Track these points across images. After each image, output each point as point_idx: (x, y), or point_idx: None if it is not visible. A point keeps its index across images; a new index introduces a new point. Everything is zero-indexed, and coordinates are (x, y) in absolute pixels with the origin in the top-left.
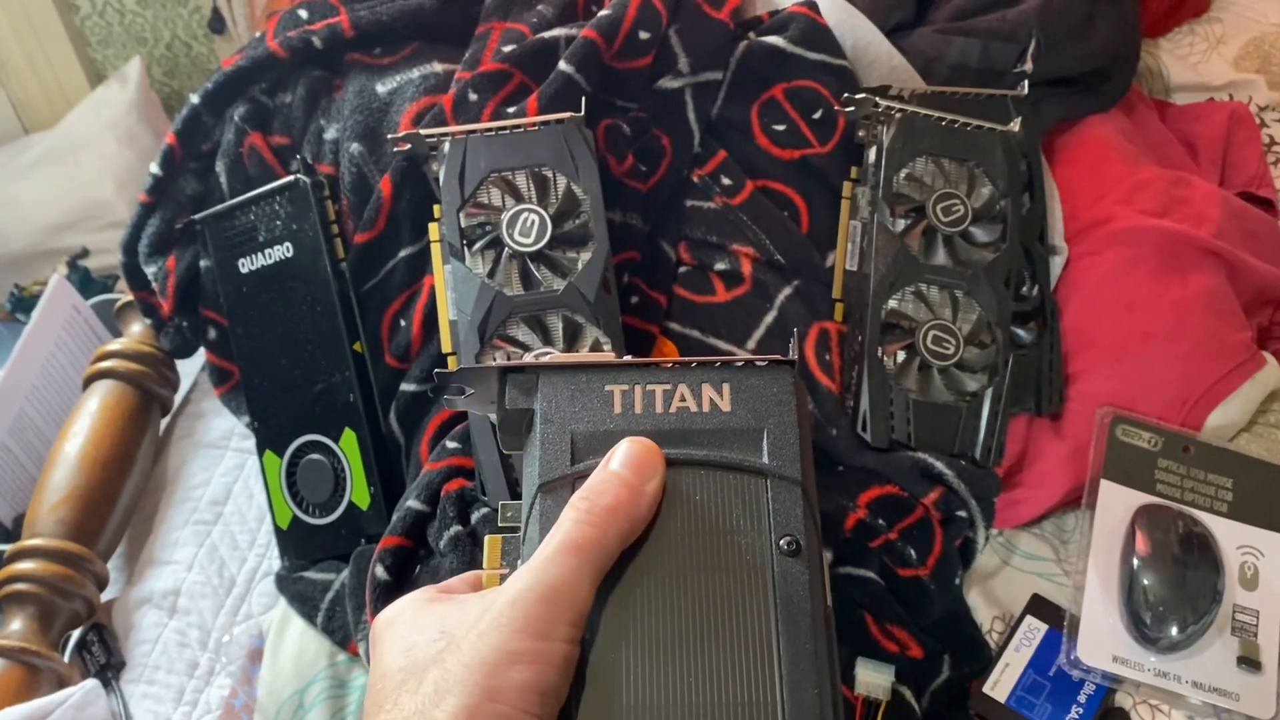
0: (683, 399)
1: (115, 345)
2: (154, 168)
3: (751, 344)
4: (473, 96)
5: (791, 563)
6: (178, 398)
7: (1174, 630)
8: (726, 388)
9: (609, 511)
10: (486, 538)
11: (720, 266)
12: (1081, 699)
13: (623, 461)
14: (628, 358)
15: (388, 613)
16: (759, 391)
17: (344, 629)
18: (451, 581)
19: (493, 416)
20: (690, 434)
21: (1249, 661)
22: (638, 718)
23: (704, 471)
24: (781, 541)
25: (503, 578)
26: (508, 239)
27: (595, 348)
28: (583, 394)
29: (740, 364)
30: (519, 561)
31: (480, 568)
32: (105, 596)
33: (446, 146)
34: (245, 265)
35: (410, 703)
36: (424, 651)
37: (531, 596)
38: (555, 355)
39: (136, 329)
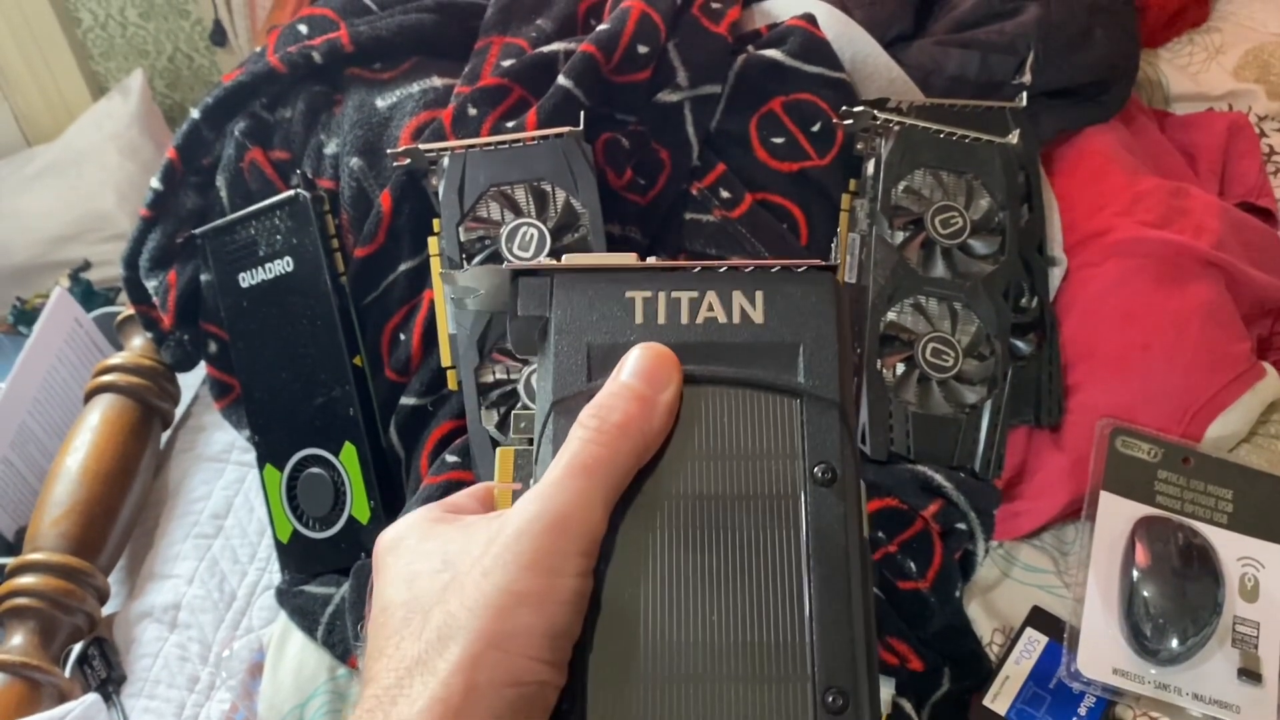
0: (710, 308)
1: (116, 359)
2: (155, 182)
3: None
4: (472, 111)
5: (826, 493)
6: (179, 411)
7: (1174, 642)
8: (759, 296)
9: (619, 428)
10: (498, 450)
11: None
12: (1082, 711)
13: (633, 371)
14: (651, 260)
15: (390, 534)
16: (796, 301)
17: (344, 643)
18: (459, 498)
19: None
20: (718, 348)
21: (1250, 674)
22: (656, 660)
23: (732, 390)
24: (816, 469)
25: (515, 494)
26: (507, 253)
27: None
28: (601, 301)
29: (775, 269)
30: (532, 481)
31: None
32: (106, 611)
33: (446, 161)
34: (246, 279)
35: (412, 648)
36: (426, 584)
37: (538, 527)
38: (572, 257)
39: (138, 342)
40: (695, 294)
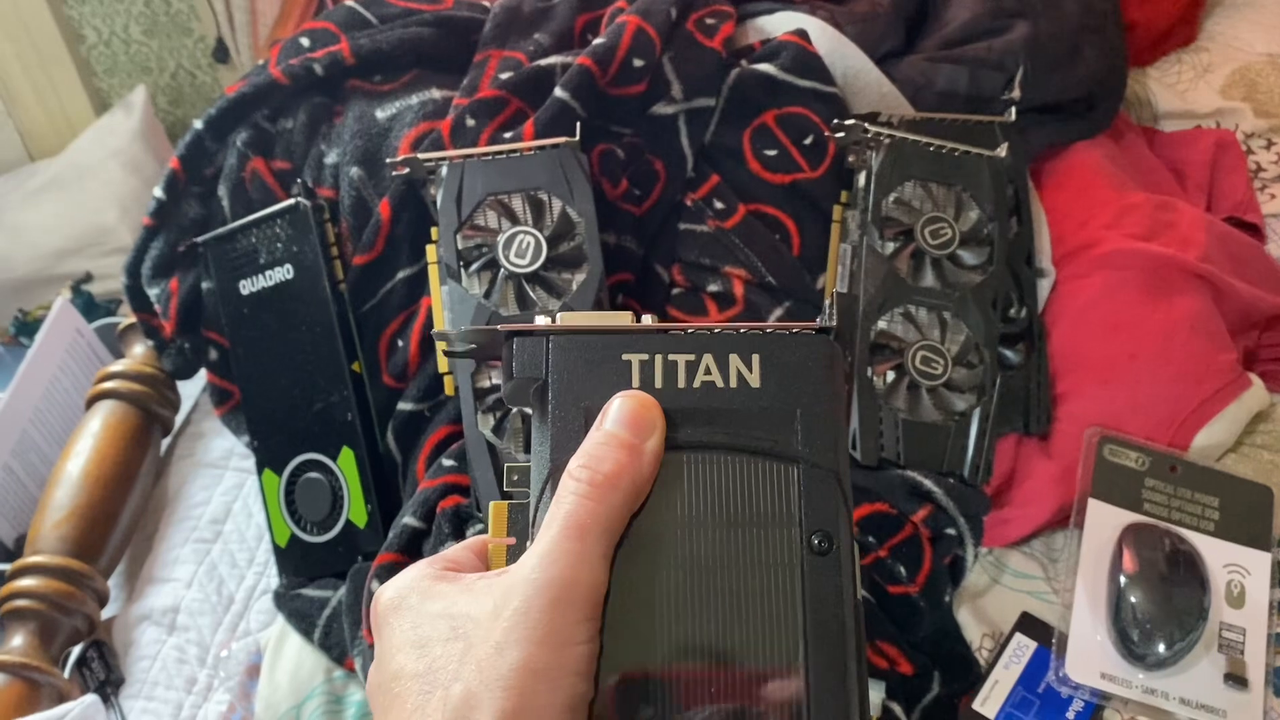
0: (708, 372)
1: (118, 366)
2: (158, 191)
3: None
4: (470, 122)
5: (822, 562)
6: (179, 418)
7: (1161, 647)
8: (756, 360)
9: (610, 480)
10: (491, 505)
11: (713, 288)
12: (1070, 715)
13: (617, 420)
14: (647, 320)
15: (392, 592)
16: (792, 365)
17: (340, 645)
18: (456, 552)
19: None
20: (716, 413)
21: (1236, 679)
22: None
23: (730, 456)
24: (813, 538)
25: (509, 549)
26: (504, 260)
27: None
28: (598, 364)
29: (771, 333)
30: (528, 543)
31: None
32: (105, 614)
33: (444, 170)
34: (246, 287)
35: None
36: (440, 654)
37: (546, 599)
38: (567, 316)
39: (139, 350)
40: (692, 357)
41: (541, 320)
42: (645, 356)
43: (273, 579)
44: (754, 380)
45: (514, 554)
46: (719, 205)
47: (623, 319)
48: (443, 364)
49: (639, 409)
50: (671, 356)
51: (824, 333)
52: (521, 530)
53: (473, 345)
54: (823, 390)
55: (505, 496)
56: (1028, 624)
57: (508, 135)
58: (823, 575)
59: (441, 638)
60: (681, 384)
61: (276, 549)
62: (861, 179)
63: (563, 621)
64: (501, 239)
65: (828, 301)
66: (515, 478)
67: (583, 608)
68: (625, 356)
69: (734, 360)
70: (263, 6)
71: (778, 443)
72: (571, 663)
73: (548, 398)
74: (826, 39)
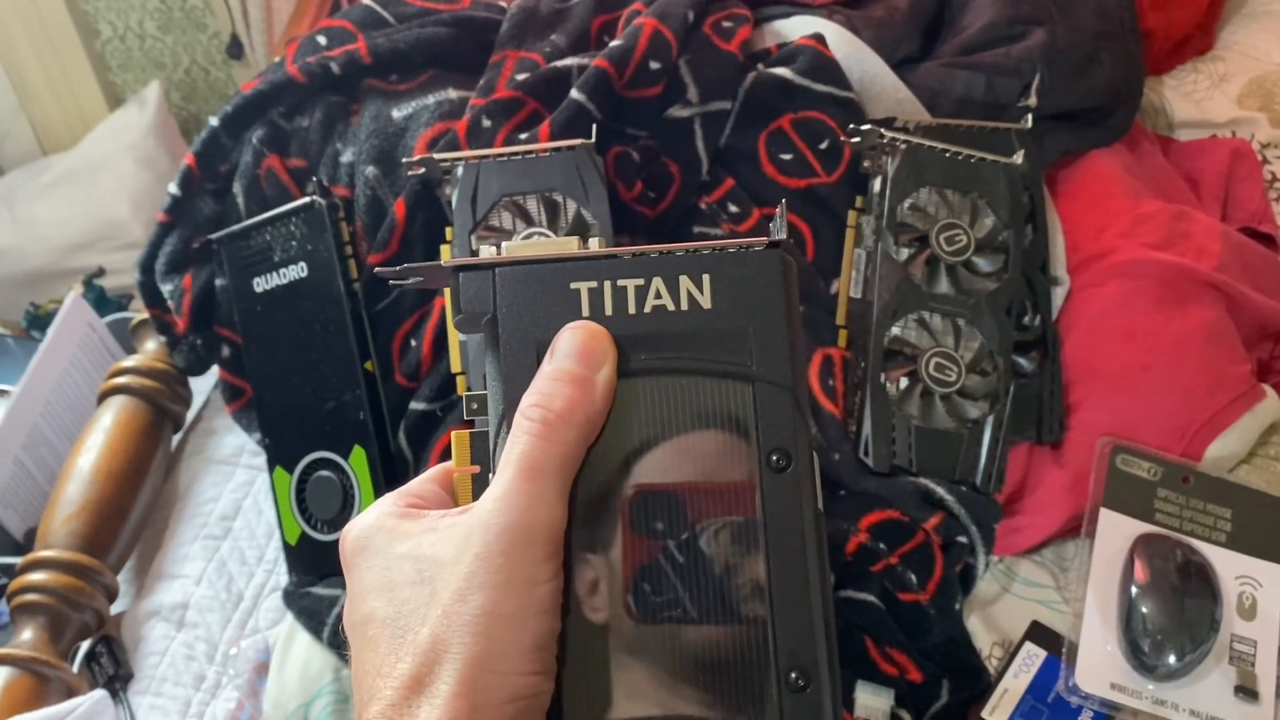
0: (658, 295)
1: (130, 362)
2: (172, 188)
3: None
4: (486, 122)
5: (780, 479)
6: (190, 414)
7: (1172, 658)
8: (706, 280)
9: (563, 418)
10: (453, 434)
11: None
12: None
13: (567, 353)
14: (594, 243)
15: (355, 532)
16: (743, 283)
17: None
18: (420, 485)
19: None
20: (668, 337)
21: (1246, 691)
22: (626, 655)
23: (683, 379)
24: (771, 456)
25: (475, 478)
26: None
27: None
28: (546, 294)
29: (720, 250)
30: (490, 475)
31: None
32: (114, 609)
33: (459, 170)
34: (260, 284)
35: (407, 667)
36: (408, 597)
37: (505, 543)
38: (513, 246)
39: (151, 346)
40: (641, 281)
41: (487, 252)
42: (594, 284)
43: (282, 577)
44: (705, 301)
45: (479, 482)
46: (733, 209)
47: (569, 245)
48: (455, 364)
49: (589, 340)
50: (620, 282)
51: (774, 246)
52: (485, 458)
53: (419, 279)
54: (775, 306)
55: (467, 425)
56: (1038, 633)
57: (523, 136)
58: (781, 492)
59: (408, 581)
60: (632, 310)
61: (287, 547)
62: (877, 184)
63: (523, 564)
64: (516, 240)
65: (777, 211)
66: (475, 406)
67: (543, 547)
68: (574, 285)
69: (684, 281)
70: (278, 3)
71: (731, 363)
72: (535, 603)
73: (498, 332)
74: (843, 44)
